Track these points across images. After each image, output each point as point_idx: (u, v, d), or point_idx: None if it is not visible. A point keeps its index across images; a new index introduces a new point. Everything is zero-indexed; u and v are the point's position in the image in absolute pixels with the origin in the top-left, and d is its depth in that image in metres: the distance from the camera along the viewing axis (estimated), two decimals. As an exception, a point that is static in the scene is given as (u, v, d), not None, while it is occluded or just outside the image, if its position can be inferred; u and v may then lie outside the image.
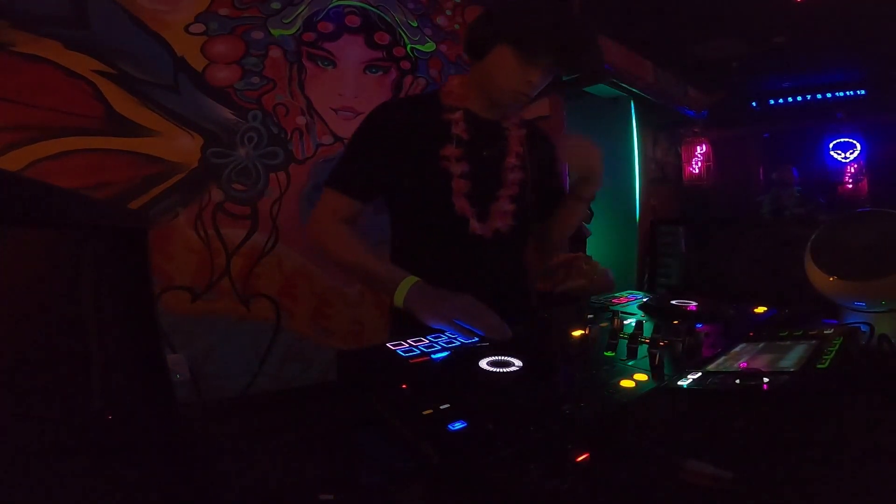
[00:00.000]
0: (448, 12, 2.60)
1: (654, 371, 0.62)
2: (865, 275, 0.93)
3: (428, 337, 0.76)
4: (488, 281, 1.05)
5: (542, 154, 1.19)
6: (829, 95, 5.44)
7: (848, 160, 5.84)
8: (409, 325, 1.02)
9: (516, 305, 1.10)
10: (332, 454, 0.49)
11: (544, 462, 0.42)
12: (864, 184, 5.74)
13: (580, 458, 0.43)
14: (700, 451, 0.43)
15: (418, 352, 0.68)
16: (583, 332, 0.76)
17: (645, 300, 1.11)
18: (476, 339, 0.77)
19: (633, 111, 4.67)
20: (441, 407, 0.50)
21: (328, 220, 1.04)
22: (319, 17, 2.20)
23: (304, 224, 2.09)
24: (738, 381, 0.53)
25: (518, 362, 0.62)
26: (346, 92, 2.26)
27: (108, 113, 1.75)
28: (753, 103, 5.81)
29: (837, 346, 0.63)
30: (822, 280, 1.01)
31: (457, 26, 2.62)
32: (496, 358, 0.63)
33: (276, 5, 2.09)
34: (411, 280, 0.92)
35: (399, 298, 0.91)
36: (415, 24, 2.46)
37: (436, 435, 0.45)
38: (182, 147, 1.89)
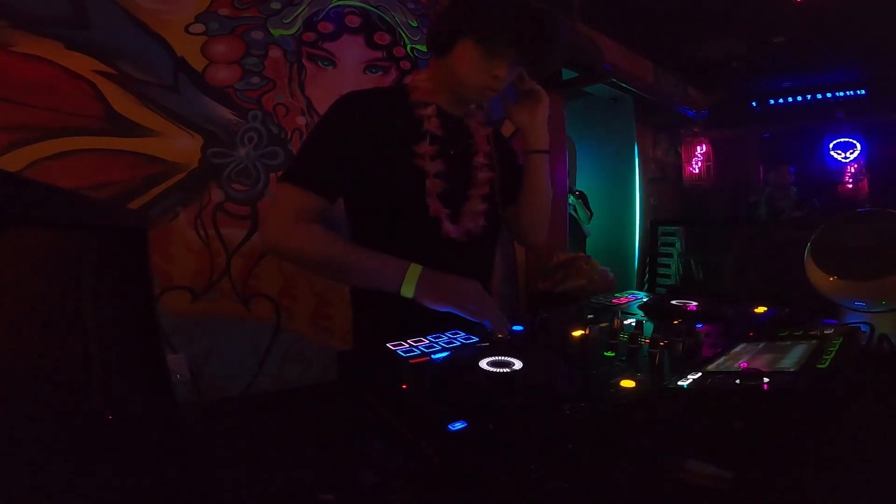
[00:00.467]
0: (448, 12, 2.60)
1: (654, 371, 0.62)
2: (865, 275, 0.93)
3: (428, 337, 0.76)
4: None
5: (504, 151, 1.16)
6: (829, 95, 5.44)
7: (848, 160, 5.84)
8: (377, 331, 1.01)
9: None
10: (331, 454, 0.49)
11: (544, 462, 0.42)
12: (864, 184, 5.74)
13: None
14: (700, 451, 0.43)
15: (418, 352, 0.68)
16: (583, 332, 0.76)
17: (645, 300, 1.11)
18: (476, 339, 0.77)
19: (633, 111, 4.68)
20: (441, 407, 0.50)
21: (292, 220, 0.91)
22: (319, 18, 2.20)
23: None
24: (738, 381, 0.53)
25: (518, 362, 0.62)
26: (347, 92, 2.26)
27: (108, 113, 1.75)
28: (753, 103, 5.80)
29: (837, 346, 0.63)
30: (821, 280, 1.01)
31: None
32: (496, 358, 0.63)
33: (276, 5, 2.09)
34: (417, 268, 0.88)
35: (408, 289, 0.87)
36: (415, 25, 2.46)
37: (436, 435, 0.45)
38: (182, 147, 1.89)
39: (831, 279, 0.98)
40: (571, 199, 3.91)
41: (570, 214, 4.26)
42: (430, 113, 0.99)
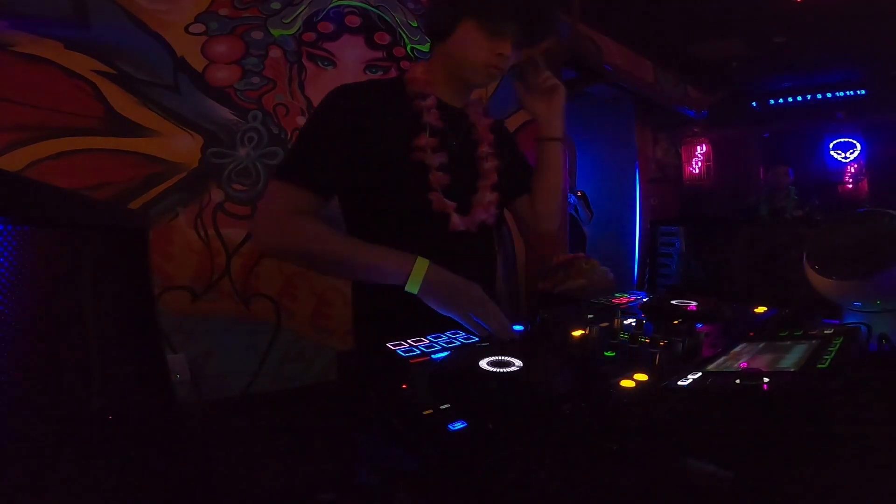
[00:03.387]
0: (448, 12, 2.60)
1: (654, 371, 0.62)
2: (855, 274, 0.94)
3: (428, 337, 0.76)
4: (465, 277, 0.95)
5: (508, 143, 1.16)
6: (829, 95, 5.44)
7: (848, 160, 5.84)
8: (378, 326, 0.99)
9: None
10: (332, 454, 0.49)
11: (544, 462, 0.42)
12: (865, 184, 5.74)
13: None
14: (700, 451, 0.43)
15: (418, 352, 0.68)
16: (583, 332, 0.76)
17: (645, 300, 1.11)
18: (476, 339, 0.77)
19: (633, 111, 4.68)
20: (441, 407, 0.50)
21: (286, 215, 0.88)
22: (319, 17, 2.20)
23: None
24: (738, 381, 0.53)
25: (518, 362, 0.62)
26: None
27: (108, 113, 1.75)
28: (753, 103, 5.80)
29: (837, 346, 0.63)
30: (818, 281, 1.01)
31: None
32: (496, 358, 0.63)
33: (276, 5, 2.09)
34: (425, 263, 0.85)
35: (414, 284, 0.84)
36: (415, 25, 2.46)
37: (436, 435, 0.45)
38: (182, 147, 1.89)
39: (826, 280, 0.99)
40: (573, 198, 3.91)
41: (571, 214, 4.26)
42: (429, 104, 0.97)
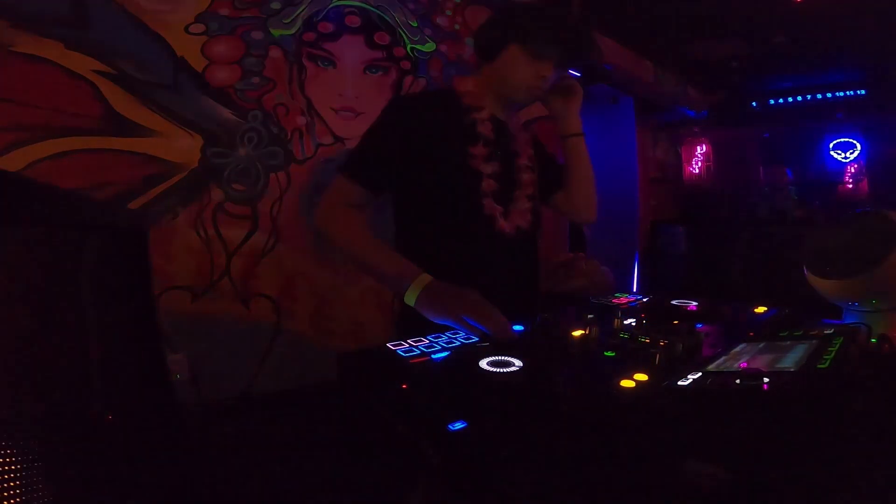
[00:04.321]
0: (448, 12, 2.60)
1: (654, 371, 0.62)
2: (844, 274, 0.95)
3: (428, 337, 0.76)
4: (508, 278, 1.09)
5: (542, 154, 1.26)
6: (829, 95, 5.44)
7: (848, 160, 5.84)
8: (416, 322, 1.04)
9: (529, 302, 1.15)
10: (332, 454, 0.49)
11: (544, 462, 0.42)
12: (865, 184, 5.74)
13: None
14: (700, 451, 0.43)
15: (418, 352, 0.68)
16: (583, 332, 0.76)
17: (645, 300, 1.11)
18: (477, 338, 0.77)
19: (633, 111, 4.67)
20: (441, 407, 0.50)
21: (337, 206, 1.04)
22: (319, 18, 2.20)
23: (308, 222, 2.10)
24: (738, 381, 0.53)
25: (518, 362, 0.62)
26: (347, 92, 2.26)
27: (108, 113, 1.75)
28: (753, 103, 5.80)
29: (837, 346, 0.63)
30: (814, 281, 1.02)
31: (457, 27, 2.61)
32: (496, 358, 0.63)
33: (276, 5, 2.09)
34: (424, 280, 0.92)
35: (411, 298, 0.92)
36: (415, 25, 2.46)
37: (436, 435, 0.45)
38: (182, 147, 1.89)
39: (820, 280, 1.00)
40: None
41: None
42: (483, 116, 1.07)
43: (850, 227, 1.02)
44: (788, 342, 0.71)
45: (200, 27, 1.92)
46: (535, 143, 1.25)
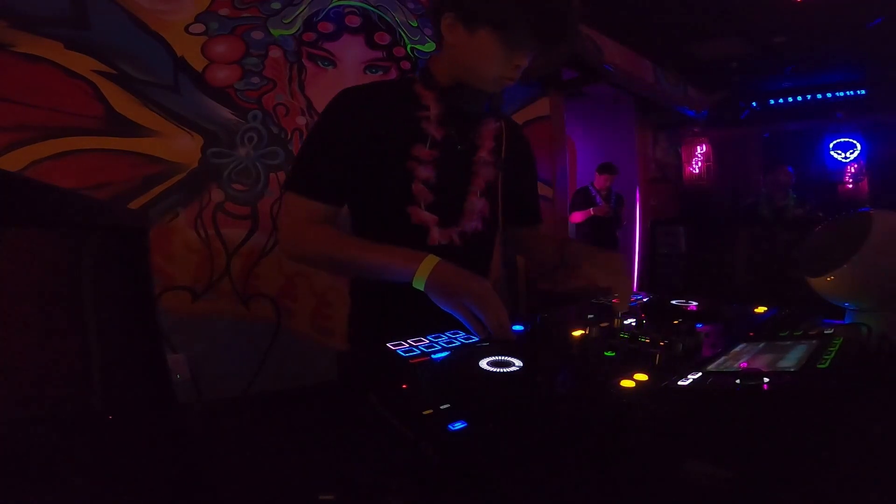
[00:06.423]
0: (448, 12, 2.60)
1: (654, 371, 0.62)
2: (823, 270, 0.97)
3: (428, 337, 0.76)
4: None
5: (516, 150, 1.09)
6: (829, 95, 5.44)
7: (848, 160, 5.84)
8: (375, 324, 0.99)
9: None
10: (332, 454, 0.49)
11: (544, 462, 0.42)
12: (865, 184, 5.74)
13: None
14: (700, 451, 0.43)
15: (418, 352, 0.68)
16: (583, 332, 0.76)
17: (645, 300, 1.11)
18: (477, 338, 0.77)
19: (633, 111, 4.68)
20: (441, 407, 0.50)
21: (301, 225, 0.91)
22: (319, 17, 2.20)
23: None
24: (738, 381, 0.53)
25: (518, 362, 0.62)
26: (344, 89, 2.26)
27: (108, 113, 1.75)
28: (753, 103, 5.81)
29: (837, 346, 0.63)
30: (810, 281, 1.03)
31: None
32: (496, 358, 0.63)
33: (276, 5, 2.09)
34: (434, 260, 0.83)
35: (420, 281, 0.82)
36: (415, 24, 2.46)
37: (436, 435, 0.45)
38: (182, 147, 1.89)
39: (811, 279, 1.02)
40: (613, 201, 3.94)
41: (606, 216, 4.26)
42: (431, 113, 0.94)
43: (836, 226, 1.05)
44: (788, 342, 0.71)
45: (200, 27, 1.92)
46: (515, 140, 1.08)
